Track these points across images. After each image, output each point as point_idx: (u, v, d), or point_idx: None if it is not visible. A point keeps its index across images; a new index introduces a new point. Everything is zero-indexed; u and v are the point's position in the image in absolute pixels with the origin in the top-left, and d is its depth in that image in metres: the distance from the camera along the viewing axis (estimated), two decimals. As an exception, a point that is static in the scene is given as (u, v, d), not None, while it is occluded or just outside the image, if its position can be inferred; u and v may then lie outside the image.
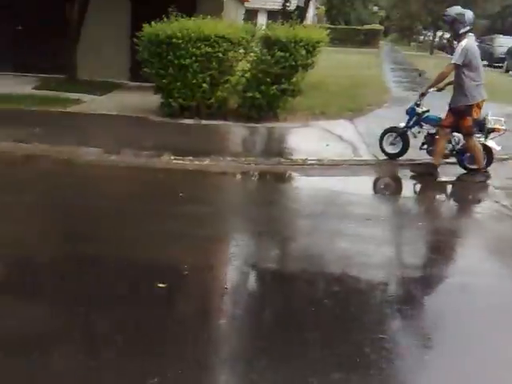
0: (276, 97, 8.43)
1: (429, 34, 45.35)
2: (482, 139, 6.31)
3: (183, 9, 9.17)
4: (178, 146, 6.97)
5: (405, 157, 6.74)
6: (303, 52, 8.33)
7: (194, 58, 8.15)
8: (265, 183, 6.53)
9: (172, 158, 6.64)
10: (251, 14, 26.98)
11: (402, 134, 6.63)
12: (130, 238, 4.32)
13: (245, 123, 8.50)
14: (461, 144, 6.33)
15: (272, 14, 31.25)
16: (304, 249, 4.40)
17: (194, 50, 8.14)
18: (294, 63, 8.31)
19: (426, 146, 6.54)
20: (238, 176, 6.57)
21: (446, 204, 6.33)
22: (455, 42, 6.27)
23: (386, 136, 6.73)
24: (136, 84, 12.02)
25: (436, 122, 6.39)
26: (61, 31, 11.30)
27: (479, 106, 6.10)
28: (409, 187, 6.53)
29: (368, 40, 36.37)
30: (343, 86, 11.96)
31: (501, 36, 27.37)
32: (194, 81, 8.26)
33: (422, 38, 50.60)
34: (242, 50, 8.74)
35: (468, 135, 6.15)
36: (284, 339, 2.99)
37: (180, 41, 8.12)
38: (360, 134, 8.16)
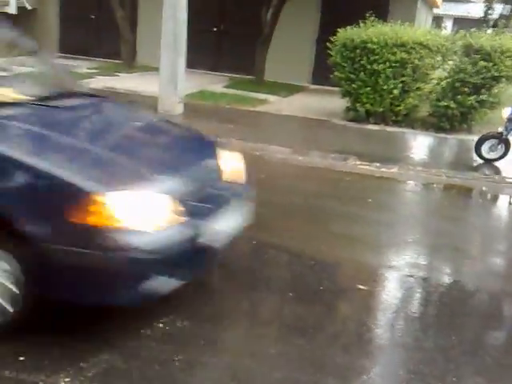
0: (473, 108, 7.92)
1: None
2: None
3: (375, 15, 9.10)
4: (363, 151, 6.89)
5: None
6: (509, 63, 7.69)
7: (387, 64, 8.01)
8: (457, 197, 6.14)
9: (358, 162, 6.59)
10: (437, 21, 25.78)
11: (503, 140, 6.59)
12: (317, 236, 4.35)
13: (434, 133, 8.12)
14: None
15: (459, 21, 29.54)
16: (489, 269, 4.03)
17: (389, 55, 8.01)
18: (496, 74, 7.71)
19: None
20: (430, 187, 6.27)
21: None
22: None
23: (486, 143, 6.69)
24: (317, 87, 12.23)
25: None
26: (252, 34, 11.93)
27: None
28: None
29: None
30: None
31: None
32: (385, 87, 8.11)
33: None
34: (439, 58, 8.37)
35: None
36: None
37: (375, 46, 8.05)
38: None
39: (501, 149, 6.66)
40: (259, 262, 3.79)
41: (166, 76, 8.33)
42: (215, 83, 11.82)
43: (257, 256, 3.89)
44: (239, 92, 10.85)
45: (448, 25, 29.06)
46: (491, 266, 4.14)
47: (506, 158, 6.69)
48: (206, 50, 13.15)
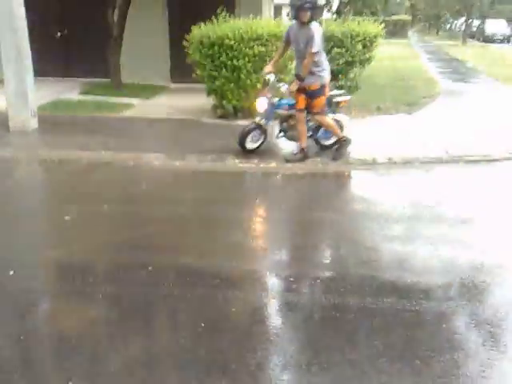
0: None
1: (456, 22, 44.44)
2: (331, 114, 6.54)
3: (222, 10, 8.96)
4: (240, 149, 6.80)
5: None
6: (360, 47, 8.11)
7: (247, 59, 8.00)
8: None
9: (237, 161, 6.53)
10: (276, 10, 26.54)
11: (263, 130, 6.68)
12: (215, 249, 4.20)
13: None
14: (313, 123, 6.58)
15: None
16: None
17: (247, 50, 7.99)
18: (350, 59, 8.09)
19: (282, 134, 6.80)
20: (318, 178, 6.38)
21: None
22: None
23: (250, 135, 6.68)
24: (178, 85, 11.96)
25: (290, 107, 6.50)
26: (100, 36, 11.27)
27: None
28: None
29: (397, 31, 35.78)
30: (391, 79, 11.64)
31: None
32: (248, 81, 8.12)
33: (449, 26, 49.67)
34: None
35: (322, 113, 6.37)
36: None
37: (232, 41, 7.97)
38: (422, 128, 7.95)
39: (260, 137, 6.69)
40: (159, 292, 3.52)
41: (13, 91, 7.63)
42: (70, 90, 11.04)
43: (156, 285, 3.62)
44: (98, 98, 10.22)
45: (285, 13, 30.16)
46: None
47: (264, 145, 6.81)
48: (53, 56, 12.20)
